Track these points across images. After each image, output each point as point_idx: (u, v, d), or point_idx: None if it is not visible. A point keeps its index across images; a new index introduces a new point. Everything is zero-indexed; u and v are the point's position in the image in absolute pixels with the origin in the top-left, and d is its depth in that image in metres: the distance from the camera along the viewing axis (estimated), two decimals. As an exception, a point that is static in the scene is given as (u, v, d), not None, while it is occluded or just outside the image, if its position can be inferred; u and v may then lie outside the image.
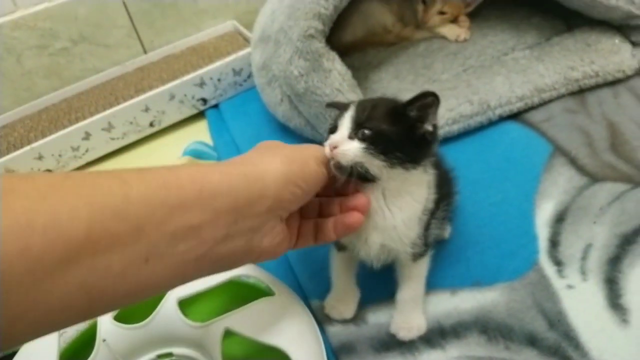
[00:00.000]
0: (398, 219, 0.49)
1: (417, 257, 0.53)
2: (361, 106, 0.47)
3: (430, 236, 0.53)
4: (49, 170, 0.91)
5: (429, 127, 0.46)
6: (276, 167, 0.41)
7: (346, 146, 0.45)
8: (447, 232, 0.65)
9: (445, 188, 0.55)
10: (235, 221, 0.38)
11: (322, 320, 0.59)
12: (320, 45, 0.73)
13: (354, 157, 0.44)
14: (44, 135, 0.91)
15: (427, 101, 0.45)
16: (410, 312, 0.56)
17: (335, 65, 0.75)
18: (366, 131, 0.45)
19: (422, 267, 0.55)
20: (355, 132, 0.45)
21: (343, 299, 0.59)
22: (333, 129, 0.48)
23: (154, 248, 0.32)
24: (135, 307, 0.54)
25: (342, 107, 0.50)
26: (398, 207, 0.48)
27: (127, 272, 0.31)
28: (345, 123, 0.46)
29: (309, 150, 0.46)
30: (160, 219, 0.32)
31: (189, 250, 0.35)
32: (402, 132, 0.46)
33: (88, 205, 0.29)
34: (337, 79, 0.74)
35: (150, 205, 0.32)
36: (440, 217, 0.55)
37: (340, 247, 0.56)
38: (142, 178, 0.33)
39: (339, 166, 0.45)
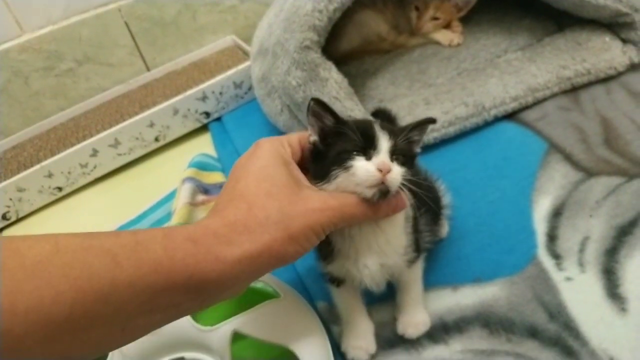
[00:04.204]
0: (389, 233, 0.49)
1: (411, 263, 0.54)
2: (388, 130, 0.46)
3: (420, 242, 0.54)
4: (59, 189, 0.93)
5: (418, 150, 0.49)
6: (280, 244, 0.39)
7: (396, 171, 0.43)
8: (444, 231, 0.66)
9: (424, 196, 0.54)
10: (218, 296, 0.39)
11: (327, 320, 0.60)
12: (316, 55, 0.75)
13: (399, 183, 0.43)
14: (53, 154, 0.93)
15: (427, 125, 0.49)
16: (414, 311, 0.58)
17: (331, 74, 0.77)
18: (402, 156, 0.45)
19: (418, 270, 0.56)
20: (392, 156, 0.45)
21: (362, 335, 0.56)
22: (362, 149, 0.45)
23: (131, 321, 0.34)
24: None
25: (347, 124, 0.46)
26: (385, 221, 0.49)
27: (104, 340, 0.33)
28: (384, 147, 0.45)
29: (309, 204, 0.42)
30: (143, 300, 0.33)
31: (165, 318, 0.37)
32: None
33: (74, 289, 0.30)
34: (334, 88, 0.76)
35: (136, 290, 0.33)
36: (425, 223, 0.56)
37: (339, 282, 0.55)
38: (135, 258, 0.33)
39: (386, 191, 0.43)
